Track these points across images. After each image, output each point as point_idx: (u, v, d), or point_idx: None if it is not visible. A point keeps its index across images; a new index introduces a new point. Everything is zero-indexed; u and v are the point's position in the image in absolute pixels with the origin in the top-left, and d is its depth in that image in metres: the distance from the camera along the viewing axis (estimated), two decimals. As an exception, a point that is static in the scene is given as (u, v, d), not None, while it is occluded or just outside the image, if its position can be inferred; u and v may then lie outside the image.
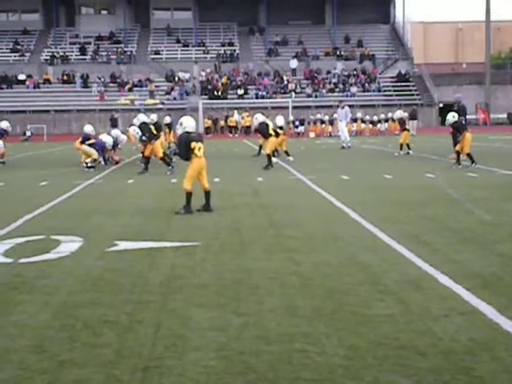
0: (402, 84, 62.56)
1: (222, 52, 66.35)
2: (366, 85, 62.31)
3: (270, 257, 7.92)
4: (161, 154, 20.32)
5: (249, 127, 48.97)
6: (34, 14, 70.89)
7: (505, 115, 64.07)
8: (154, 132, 20.39)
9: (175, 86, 61.08)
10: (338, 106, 35.40)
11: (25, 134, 49.51)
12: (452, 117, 20.03)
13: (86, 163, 21.54)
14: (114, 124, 45.79)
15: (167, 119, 32.25)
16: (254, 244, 8.74)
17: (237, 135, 52.04)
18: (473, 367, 4.41)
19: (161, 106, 55.95)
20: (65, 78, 62.20)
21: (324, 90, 61.32)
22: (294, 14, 70.32)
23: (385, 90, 61.66)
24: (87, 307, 5.93)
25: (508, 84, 66.46)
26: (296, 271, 7.14)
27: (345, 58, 66.23)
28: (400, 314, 5.56)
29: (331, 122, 49.23)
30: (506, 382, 4.18)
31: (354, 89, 61.23)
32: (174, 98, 59.60)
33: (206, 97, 59.23)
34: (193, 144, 11.64)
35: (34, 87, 61.07)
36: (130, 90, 60.78)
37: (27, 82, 61.36)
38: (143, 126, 20.57)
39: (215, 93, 59.87)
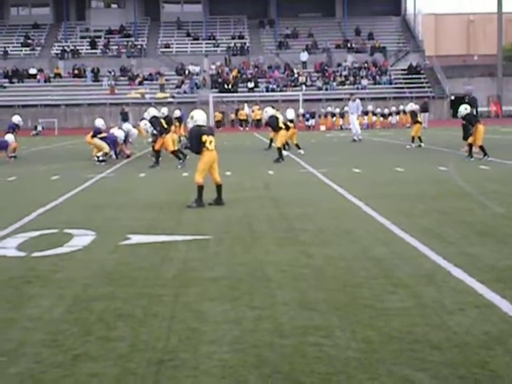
0: (413, 76, 62.29)
1: (232, 45, 66.24)
2: (377, 77, 62.10)
3: (282, 250, 7.91)
4: (171, 148, 20.34)
5: (259, 120, 48.88)
6: (44, 8, 70.98)
7: (517, 107, 63.72)
8: (165, 126, 20.38)
9: (185, 79, 61.04)
10: (348, 99, 35.31)
11: (36, 128, 49.61)
12: (464, 109, 19.96)
13: (98, 157, 21.58)
14: (125, 118, 45.84)
15: (177, 113, 32.24)
16: (266, 237, 8.74)
17: (247, 128, 52.01)
18: (487, 361, 4.39)
19: (171, 100, 55.95)
20: (75, 71, 62.28)
21: (335, 83, 61.16)
22: (304, 7, 70.12)
23: (396, 83, 61.42)
24: (101, 301, 5.95)
25: (520, 76, 66.06)
26: (308, 264, 7.14)
27: (355, 50, 66.00)
28: (414, 307, 5.54)
29: (342, 115, 49.13)
30: (522, 375, 4.16)
31: (364, 81, 61.04)
32: (185, 92, 59.57)
33: (217, 90, 59.18)
34: (204, 137, 11.64)
35: (45, 81, 61.17)
36: (141, 83, 60.79)
37: (38, 77, 61.47)
38: (154, 120, 20.55)
39: (225, 86, 59.80)
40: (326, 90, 60.11)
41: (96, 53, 65.34)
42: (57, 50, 65.24)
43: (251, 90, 59.58)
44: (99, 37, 67.28)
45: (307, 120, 50.13)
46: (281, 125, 21.92)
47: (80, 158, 23.44)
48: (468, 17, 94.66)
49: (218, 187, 11.91)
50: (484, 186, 13.56)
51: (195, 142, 11.74)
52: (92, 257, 7.80)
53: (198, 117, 11.89)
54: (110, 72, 61.55)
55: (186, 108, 50.16)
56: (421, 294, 5.93)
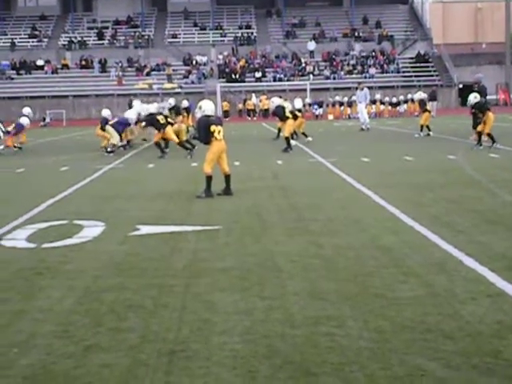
0: (421, 65, 62.01)
1: (240, 35, 66.07)
2: (385, 66, 61.86)
3: (291, 240, 7.89)
4: (175, 140, 20.29)
5: (267, 110, 48.78)
6: (51, -1, 70.92)
7: (525, 95, 63.43)
8: (162, 122, 20.29)
9: (193, 69, 60.95)
10: (356, 88, 35.19)
11: (44, 119, 49.66)
12: (474, 97, 19.85)
13: (106, 148, 21.59)
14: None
15: (185, 103, 32.15)
16: (276, 227, 8.72)
17: (255, 118, 51.93)
18: (500, 350, 4.37)
19: (179, 90, 55.85)
20: (83, 63, 62.23)
21: (342, 72, 60.96)
22: (311, -4, 69.89)
23: (404, 71, 61.17)
24: (111, 292, 5.94)
25: (528, 64, 65.72)
26: (318, 254, 7.11)
27: (363, 39, 65.73)
28: (425, 296, 5.52)
29: (350, 104, 49.02)
30: (535, 364, 4.13)
31: (372, 70, 60.82)
32: (192, 82, 59.49)
33: (224, 80, 59.06)
34: (212, 127, 11.62)
35: (53, 72, 61.15)
36: (148, 74, 60.72)
37: (45, 68, 61.47)
38: (150, 118, 20.57)
39: (233, 76, 59.67)
40: (334, 79, 59.90)
41: (103, 44, 65.27)
42: (64, 41, 65.20)
43: (258, 79, 59.44)
44: (106, 28, 67.18)
45: (315, 109, 50.00)
46: (288, 114, 21.86)
47: (88, 149, 23.45)
48: (476, 4, 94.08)
49: (227, 177, 11.89)
50: (493, 174, 13.49)
51: (203, 132, 11.72)
52: (102, 248, 7.80)
53: (207, 107, 11.87)
54: (117, 63, 61.49)
55: (194, 98, 50.15)
56: (432, 283, 5.90)
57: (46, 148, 25.73)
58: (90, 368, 4.30)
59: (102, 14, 68.49)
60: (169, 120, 20.76)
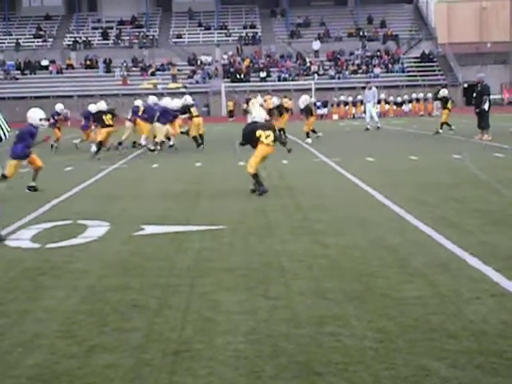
0: (426, 64, 61.96)
1: (244, 35, 66.08)
2: (390, 65, 61.81)
3: (297, 239, 7.89)
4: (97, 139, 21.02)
5: (271, 110, 48.73)
6: (56, -1, 71.02)
7: (530, 95, 63.32)
8: (107, 122, 21.07)
9: (197, 69, 60.99)
10: (364, 88, 35.18)
11: (49, 120, 49.64)
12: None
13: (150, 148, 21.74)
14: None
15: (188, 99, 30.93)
16: (281, 227, 8.72)
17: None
18: (505, 349, 4.36)
19: (183, 90, 55.86)
20: (87, 63, 62.33)
21: (347, 72, 60.92)
22: (315, -5, 69.86)
23: (409, 71, 61.11)
24: (116, 292, 5.94)
25: (533, 63, 65.61)
26: (323, 254, 7.11)
27: (368, 38, 65.68)
28: (430, 296, 5.51)
29: (354, 104, 48.97)
30: (540, 364, 4.12)
31: (377, 70, 60.77)
32: (197, 82, 59.52)
33: (229, 80, 59.09)
34: (258, 132, 12.15)
35: (57, 73, 61.27)
36: (153, 74, 60.79)
37: (50, 68, 61.58)
38: (98, 115, 21.52)
39: (237, 76, 59.70)
40: (339, 78, 59.89)
41: (108, 44, 65.34)
42: (69, 41, 65.30)
43: (263, 79, 59.45)
44: (111, 28, 67.26)
45: (318, 108, 49.97)
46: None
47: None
48: (480, 4, 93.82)
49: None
50: (499, 173, 13.46)
51: (247, 136, 12.40)
52: (106, 248, 7.80)
53: (256, 114, 12.79)
54: (122, 63, 61.56)
55: (199, 98, 50.18)
56: (437, 282, 5.89)
57: (49, 149, 25.68)
58: (94, 368, 4.30)
59: (107, 14, 68.58)
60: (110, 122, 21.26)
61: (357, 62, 62.40)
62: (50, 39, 66.08)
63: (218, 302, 5.55)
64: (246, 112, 54.20)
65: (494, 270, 6.16)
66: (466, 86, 58.29)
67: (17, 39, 64.79)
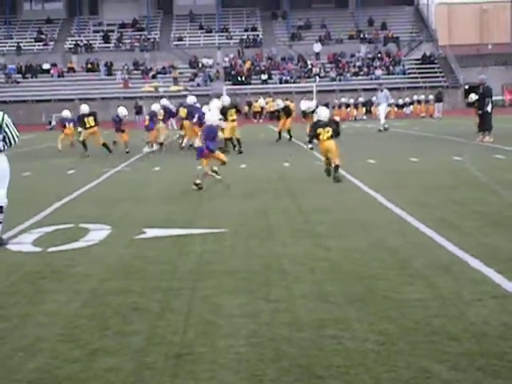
0: (427, 66, 61.99)
1: (245, 37, 66.16)
2: (391, 68, 61.83)
3: (298, 242, 7.89)
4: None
5: (273, 112, 48.80)
6: (57, 2, 71.15)
7: (532, 96, 63.30)
8: (87, 124, 22.94)
9: (199, 72, 61.06)
10: (376, 89, 35.31)
11: (50, 123, 49.75)
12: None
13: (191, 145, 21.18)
14: (139, 111, 45.91)
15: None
16: (282, 229, 8.72)
17: (261, 120, 51.92)
18: (506, 351, 4.36)
19: (185, 93, 55.91)
20: (89, 66, 62.46)
21: (348, 74, 60.94)
22: (316, -2, 69.92)
23: (410, 73, 61.16)
24: (117, 295, 5.95)
25: (534, 64, 65.61)
26: (325, 257, 7.11)
27: (369, 40, 65.71)
28: (431, 298, 5.51)
29: (356, 106, 49.00)
30: (542, 366, 4.12)
31: (378, 72, 60.79)
32: (198, 85, 59.59)
33: (230, 82, 59.12)
34: (319, 130, 13.88)
35: (59, 76, 61.38)
36: (154, 77, 60.87)
37: (51, 71, 61.69)
38: (80, 118, 23.31)
39: (239, 78, 59.75)
40: (340, 80, 59.94)
41: (109, 47, 65.47)
42: (70, 44, 65.43)
43: (265, 81, 59.50)
44: (112, 31, 67.39)
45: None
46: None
47: (95, 153, 23.45)
48: (481, 6, 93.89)
49: (336, 168, 13.71)
50: (499, 175, 13.47)
51: (312, 133, 14.23)
52: (108, 251, 7.81)
53: (321, 113, 14.29)
54: (123, 66, 61.62)
55: (201, 101, 50.08)
56: (438, 285, 5.89)
57: (53, 151, 25.74)
58: (95, 372, 4.30)
59: (108, 17, 68.70)
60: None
61: (358, 64, 62.42)
62: (51, 43, 66.20)
63: (220, 305, 5.56)
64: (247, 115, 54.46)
65: (496, 272, 6.16)
66: (466, 87, 58.29)
67: (18, 43, 64.91)
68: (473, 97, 27.78)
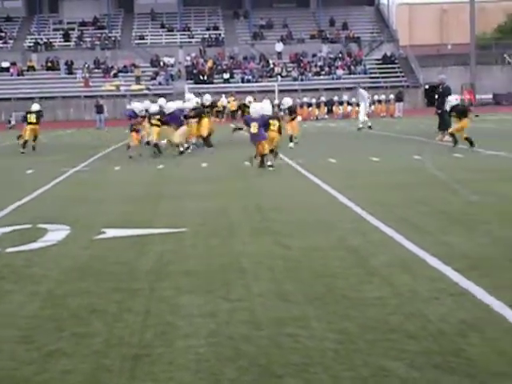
0: (388, 66, 62.47)
1: (207, 36, 66.04)
2: (352, 67, 62.19)
3: (258, 241, 7.89)
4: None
5: (234, 111, 48.75)
6: (16, 0, 70.20)
7: (490, 96, 64.16)
8: (29, 120, 24.45)
9: (160, 71, 60.78)
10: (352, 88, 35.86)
11: (10, 122, 49.12)
12: (455, 99, 19.97)
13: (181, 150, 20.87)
14: (100, 110, 45.55)
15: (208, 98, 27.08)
16: (242, 229, 8.72)
17: (223, 120, 51.85)
18: (463, 348, 4.40)
19: (146, 92, 55.67)
20: (49, 64, 61.74)
21: (310, 74, 61.17)
22: (278, -3, 70.06)
23: (371, 73, 61.56)
24: (75, 296, 5.88)
25: (493, 64, 66.51)
26: (284, 255, 7.12)
27: (330, 40, 66.03)
28: (390, 296, 5.54)
29: (318, 105, 49.19)
30: (496, 362, 4.17)
31: (339, 71, 61.11)
32: (160, 83, 59.32)
33: (192, 81, 58.94)
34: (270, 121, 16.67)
35: (18, 75, 60.60)
36: (115, 75, 60.44)
37: (11, 70, 60.85)
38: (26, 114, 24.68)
39: (201, 77, 59.60)
40: (302, 80, 60.11)
41: (69, 45, 64.84)
42: (30, 42, 64.66)
43: (227, 80, 59.44)
44: (72, 29, 66.76)
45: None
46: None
47: (55, 152, 23.25)
48: (441, 6, 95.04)
49: None
50: (458, 174, 13.62)
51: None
52: (66, 252, 7.73)
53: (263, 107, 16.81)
54: (84, 64, 61.09)
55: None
56: (397, 283, 5.93)
57: (11, 151, 25.43)
58: (52, 374, 4.25)
59: (68, 15, 68.04)
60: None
61: (319, 63, 62.68)
62: (11, 41, 65.35)
63: (179, 305, 5.53)
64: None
65: (453, 270, 6.22)
66: (427, 87, 58.87)
67: (-24, 41, 63.98)
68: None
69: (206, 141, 21.83)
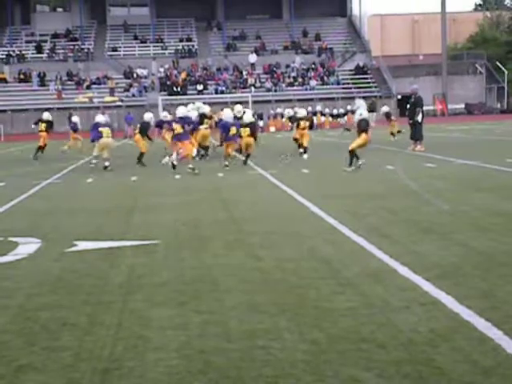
0: (361, 76, 62.92)
1: (181, 47, 66.08)
2: (325, 78, 62.52)
3: (230, 253, 7.88)
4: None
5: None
6: (-13, 12, 69.77)
7: (462, 105, 64.82)
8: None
9: (134, 82, 60.66)
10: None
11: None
12: (359, 114, 18.29)
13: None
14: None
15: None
16: (215, 240, 8.70)
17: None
18: (433, 358, 4.42)
19: (120, 103, 55.53)
20: (21, 76, 61.37)
21: (283, 84, 61.38)
22: (251, 9, 70.26)
23: (344, 83, 61.95)
24: (46, 310, 5.84)
25: (465, 74, 67.25)
26: (257, 267, 7.12)
27: (303, 51, 66.35)
28: (361, 306, 5.56)
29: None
30: (466, 371, 4.19)
31: (313, 82, 61.39)
32: (133, 95, 59.21)
33: (166, 93, 58.91)
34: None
35: (-10, 87, 60.18)
36: (88, 87, 60.23)
37: (-17, 82, 60.45)
38: None
39: (174, 89, 59.58)
40: (275, 91, 60.30)
41: (42, 57, 64.55)
42: (2, 54, 64.24)
43: (200, 92, 59.46)
44: (45, 41, 66.49)
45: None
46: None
47: (27, 164, 23.09)
48: (412, 17, 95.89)
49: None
50: (430, 183, 13.73)
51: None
52: (37, 265, 7.66)
53: (364, 111, 17.82)
54: (56, 76, 60.80)
55: (136, 111, 49.82)
56: (368, 293, 5.95)
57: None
58: (21, 389, 4.21)
59: (41, 27, 67.75)
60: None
61: (293, 74, 62.93)
62: (-17, 53, 64.92)
63: (150, 318, 5.50)
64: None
65: (424, 279, 6.26)
66: (399, 97, 59.32)
67: None
68: (384, 109, 28.93)
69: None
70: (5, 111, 56.18)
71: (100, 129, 20.47)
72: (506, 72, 68.78)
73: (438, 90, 63.32)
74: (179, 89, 59.59)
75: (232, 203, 12.17)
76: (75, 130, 29.51)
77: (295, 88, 60.78)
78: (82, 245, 8.68)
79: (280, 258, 7.50)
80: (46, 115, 28.41)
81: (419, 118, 23.19)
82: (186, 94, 58.78)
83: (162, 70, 62.76)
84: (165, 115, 23.29)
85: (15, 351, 4.87)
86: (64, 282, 6.80)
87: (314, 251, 7.78)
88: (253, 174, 17.32)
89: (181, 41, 67.36)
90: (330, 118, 51.23)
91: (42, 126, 27.40)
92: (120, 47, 66.38)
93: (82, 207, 12.46)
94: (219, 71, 63.18)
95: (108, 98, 57.38)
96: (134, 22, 69.07)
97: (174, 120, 20.78)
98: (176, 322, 5.37)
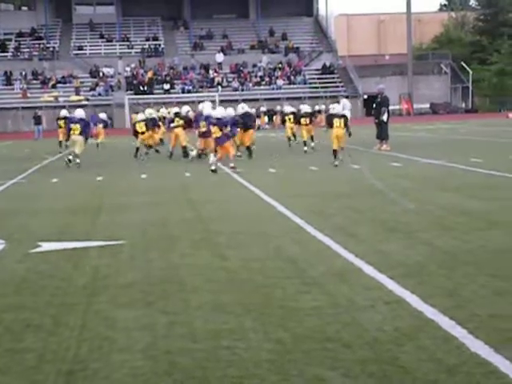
0: (327, 76, 63.15)
1: (147, 46, 65.77)
2: (292, 77, 62.66)
3: (197, 253, 7.86)
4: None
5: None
6: (-50, 10, 68.86)
7: (427, 105, 65.41)
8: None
9: (100, 81, 60.26)
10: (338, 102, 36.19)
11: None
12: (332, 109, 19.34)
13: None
14: (38, 121, 44.99)
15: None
16: (182, 240, 8.68)
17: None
18: (398, 356, 4.45)
19: (86, 103, 55.11)
20: (-15, 75, 60.66)
21: (250, 84, 61.40)
22: (218, 8, 70.15)
23: (310, 83, 62.14)
24: (9, 311, 5.78)
25: (430, 74, 67.85)
26: (223, 267, 7.11)
27: (270, 51, 66.44)
28: (326, 306, 5.58)
29: (258, 115, 49.37)
30: (430, 370, 4.22)
31: (280, 82, 61.50)
32: (99, 94, 58.82)
33: (132, 92, 58.61)
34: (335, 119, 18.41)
35: (-46, 86, 59.39)
36: (54, 86, 59.70)
37: None
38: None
39: (141, 88, 59.30)
40: (242, 90, 60.30)
41: (7, 56, 63.80)
42: (-35, 53, 63.44)
43: (167, 91, 59.26)
44: (10, 40, 65.71)
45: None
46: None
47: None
48: (378, 17, 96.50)
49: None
50: (396, 182, 13.83)
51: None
52: (1, 266, 7.58)
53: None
54: (21, 75, 60.17)
55: (102, 111, 49.46)
56: (333, 292, 5.97)
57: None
58: (-16, 392, 4.17)
59: (5, 25, 66.90)
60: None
61: (260, 73, 62.98)
62: None
63: (115, 319, 5.47)
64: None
65: (388, 278, 6.30)
66: (365, 97, 59.68)
67: None
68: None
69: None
70: (-32, 110, 55.50)
71: (71, 125, 20.77)
72: (471, 72, 69.57)
73: (404, 89, 63.81)
74: (146, 88, 59.32)
75: (199, 203, 12.14)
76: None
77: (262, 87, 60.83)
78: (47, 245, 8.61)
79: (246, 257, 7.50)
80: (64, 112, 30.09)
81: (385, 117, 23.36)
82: (152, 94, 58.61)
83: (128, 69, 62.44)
84: (188, 110, 24.48)
85: (-22, 354, 4.81)
86: (28, 283, 6.74)
87: (280, 251, 7.79)
88: (220, 174, 17.30)
89: (147, 40, 67.06)
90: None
91: (61, 123, 28.91)
92: (86, 46, 65.87)
93: (47, 207, 12.35)
94: (186, 70, 63.01)
95: (74, 97, 56.93)
96: (99, 21, 68.58)
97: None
98: (142, 322, 5.34)
